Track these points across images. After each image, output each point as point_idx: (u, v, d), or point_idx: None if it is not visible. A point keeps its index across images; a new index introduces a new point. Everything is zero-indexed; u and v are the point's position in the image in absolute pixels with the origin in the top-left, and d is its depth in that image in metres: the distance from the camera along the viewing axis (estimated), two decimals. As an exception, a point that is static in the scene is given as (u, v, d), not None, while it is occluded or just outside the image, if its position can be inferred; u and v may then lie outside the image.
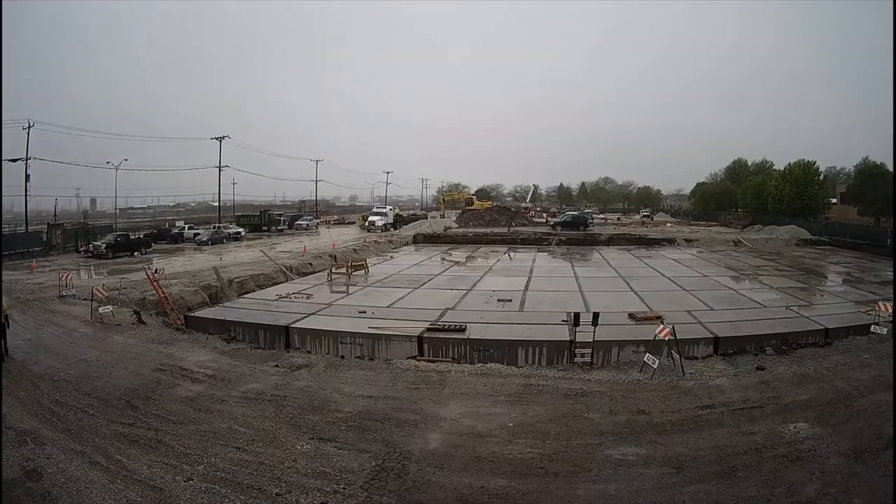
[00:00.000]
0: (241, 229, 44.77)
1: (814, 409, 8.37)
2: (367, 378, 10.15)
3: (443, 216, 62.03)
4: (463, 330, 12.71)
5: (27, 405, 8.50)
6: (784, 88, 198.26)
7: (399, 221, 53.61)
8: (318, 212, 76.26)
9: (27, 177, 37.00)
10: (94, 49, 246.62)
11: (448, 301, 16.69)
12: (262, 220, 53.26)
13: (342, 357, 12.03)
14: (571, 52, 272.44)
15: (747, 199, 59.98)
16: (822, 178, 51.58)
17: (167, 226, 48.62)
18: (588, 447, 7.28)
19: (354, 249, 31.05)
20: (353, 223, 62.24)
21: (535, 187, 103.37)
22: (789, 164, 51.07)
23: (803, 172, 48.24)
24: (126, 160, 50.93)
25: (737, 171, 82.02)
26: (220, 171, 53.21)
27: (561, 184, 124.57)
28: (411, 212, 74.67)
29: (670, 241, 37.22)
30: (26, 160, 37.13)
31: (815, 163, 49.29)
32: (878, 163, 51.23)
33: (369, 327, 13.15)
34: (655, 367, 10.12)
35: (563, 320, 13.54)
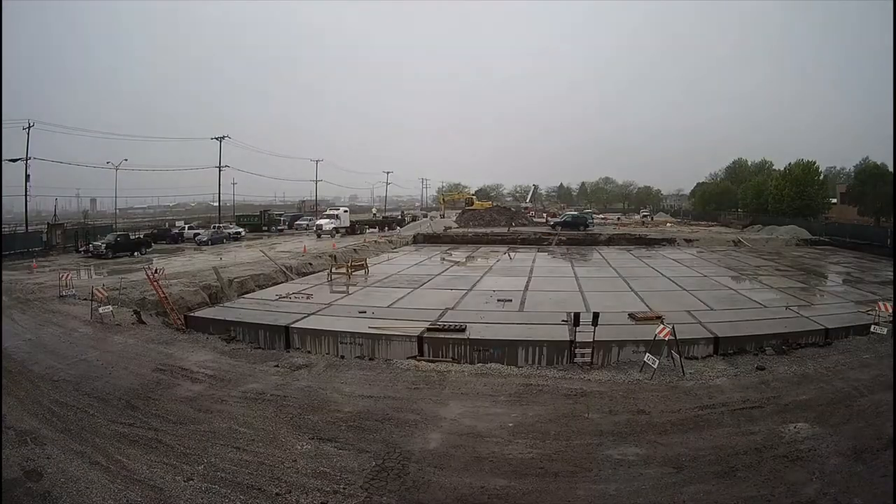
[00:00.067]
0: (241, 229, 44.73)
1: (814, 409, 8.37)
2: (367, 378, 10.15)
3: (443, 216, 61.98)
4: (463, 330, 12.71)
5: (27, 405, 8.49)
6: (784, 88, 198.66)
7: (365, 223, 47.68)
8: (318, 212, 76.28)
9: (27, 177, 37.02)
10: (94, 49, 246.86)
11: (448, 301, 16.69)
12: (262, 221, 53.29)
13: (342, 357, 12.03)
14: (572, 52, 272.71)
15: (747, 199, 60.02)
16: (822, 178, 51.58)
17: (167, 226, 48.63)
18: (588, 447, 7.27)
19: (354, 249, 31.03)
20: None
21: (535, 187, 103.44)
22: (789, 164, 51.18)
23: (803, 172, 48.28)
24: (126, 160, 51.02)
25: (737, 171, 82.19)
26: (219, 171, 53.21)
27: (561, 184, 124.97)
28: (385, 214, 69.67)
29: (670, 241, 37.22)
30: (26, 160, 37.13)
31: (815, 163, 49.41)
32: (878, 163, 51.41)
33: (369, 327, 13.15)
34: (655, 367, 10.12)
35: (563, 320, 13.54)
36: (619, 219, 69.55)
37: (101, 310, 14.05)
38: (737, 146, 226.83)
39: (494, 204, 70.61)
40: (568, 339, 11.82)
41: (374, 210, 77.59)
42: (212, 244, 36.95)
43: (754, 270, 24.29)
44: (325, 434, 7.64)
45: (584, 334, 11.06)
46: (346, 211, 49.69)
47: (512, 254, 32.39)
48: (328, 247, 30.83)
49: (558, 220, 49.59)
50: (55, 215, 45.55)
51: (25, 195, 37.37)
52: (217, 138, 52.84)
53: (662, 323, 11.85)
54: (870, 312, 13.85)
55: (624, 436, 7.59)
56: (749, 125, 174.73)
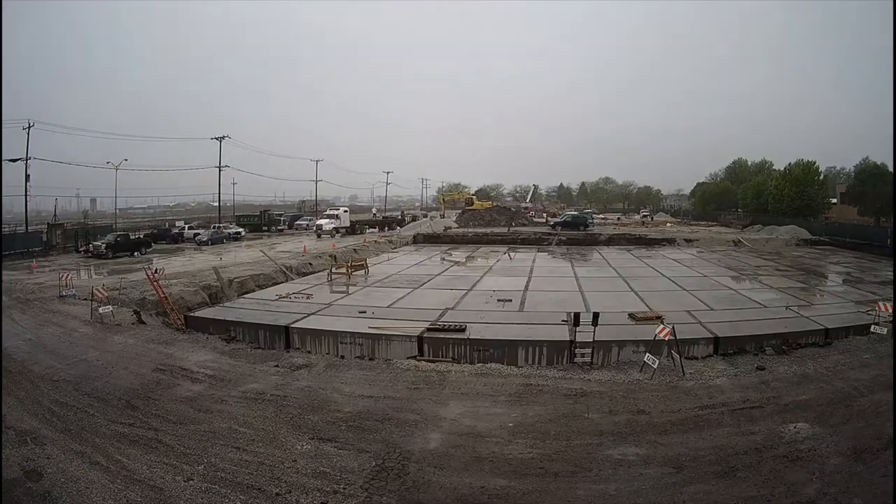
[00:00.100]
0: (241, 229, 44.73)
1: (814, 409, 8.37)
2: (367, 378, 10.15)
3: (443, 216, 61.97)
4: (463, 330, 12.71)
5: (27, 405, 8.49)
6: (784, 88, 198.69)
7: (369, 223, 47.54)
8: (318, 212, 76.27)
9: (27, 177, 37.03)
10: (94, 49, 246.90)
11: (448, 301, 16.69)
12: (262, 221, 53.27)
13: (342, 357, 12.03)
14: (572, 53, 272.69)
15: (747, 199, 60.03)
16: (822, 178, 51.61)
17: (167, 226, 48.62)
18: (588, 447, 7.27)
19: (354, 249, 31.03)
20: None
21: (535, 187, 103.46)
22: (789, 164, 51.20)
23: (803, 172, 48.29)
24: (126, 160, 51.02)
25: (737, 171, 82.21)
26: (219, 171, 53.22)
27: (561, 184, 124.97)
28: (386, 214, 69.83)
29: (670, 241, 37.23)
30: (26, 160, 37.13)
31: (815, 163, 49.44)
32: (879, 163, 51.40)
33: (369, 327, 13.15)
34: (655, 367, 10.12)
35: (563, 320, 13.54)
36: (619, 219, 69.54)
37: (101, 310, 14.05)
38: (737, 146, 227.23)
39: (494, 204, 70.61)
40: (568, 339, 11.82)
41: (374, 210, 77.55)
42: (212, 244, 36.95)
43: (754, 270, 24.29)
44: (325, 434, 7.64)
45: (584, 334, 11.06)
46: (346, 211, 49.50)
47: (512, 254, 32.39)
48: (328, 247, 30.83)
49: (558, 220, 49.59)
50: (55, 215, 45.55)
51: (25, 195, 37.45)
52: (217, 138, 52.90)
53: (662, 323, 11.85)
54: (870, 312, 13.85)
55: (624, 436, 7.59)
56: (749, 125, 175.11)
